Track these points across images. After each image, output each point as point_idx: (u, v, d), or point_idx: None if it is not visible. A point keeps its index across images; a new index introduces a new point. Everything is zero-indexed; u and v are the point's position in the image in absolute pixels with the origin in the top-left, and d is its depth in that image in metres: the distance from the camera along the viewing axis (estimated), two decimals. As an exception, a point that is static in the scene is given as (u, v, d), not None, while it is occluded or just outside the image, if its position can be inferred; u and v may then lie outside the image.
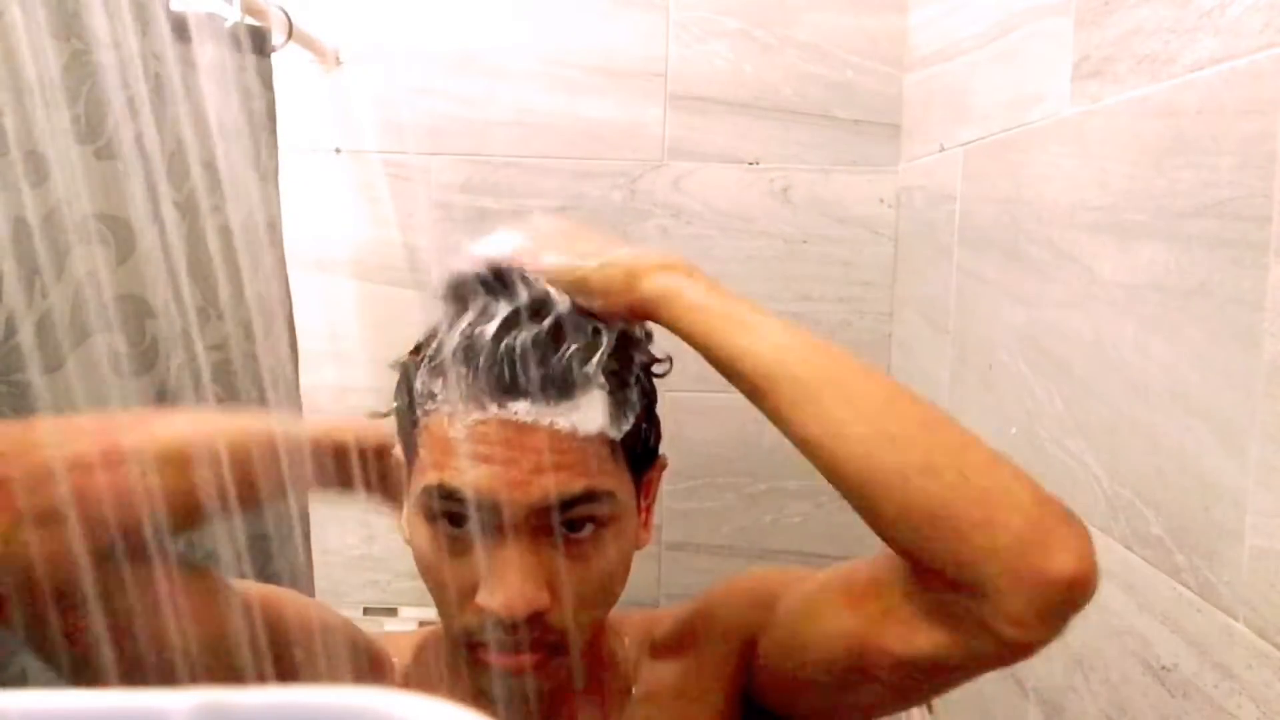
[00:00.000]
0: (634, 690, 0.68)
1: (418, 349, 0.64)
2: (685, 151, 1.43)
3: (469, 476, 0.56)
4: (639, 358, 0.63)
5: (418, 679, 0.69)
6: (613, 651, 0.69)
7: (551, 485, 0.56)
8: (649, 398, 0.64)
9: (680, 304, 0.58)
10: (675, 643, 0.69)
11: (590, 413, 0.57)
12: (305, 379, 1.20)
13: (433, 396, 0.59)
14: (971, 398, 1.10)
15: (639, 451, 0.61)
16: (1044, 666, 0.90)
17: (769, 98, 1.42)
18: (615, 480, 0.59)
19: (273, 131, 1.15)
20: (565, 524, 0.57)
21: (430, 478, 0.57)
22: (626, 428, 0.60)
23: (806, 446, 0.54)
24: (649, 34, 1.42)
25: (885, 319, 1.45)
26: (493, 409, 0.56)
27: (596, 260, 0.61)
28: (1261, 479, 0.59)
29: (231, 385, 1.03)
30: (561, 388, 0.56)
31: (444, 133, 1.43)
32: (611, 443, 0.59)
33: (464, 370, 0.57)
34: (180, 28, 0.97)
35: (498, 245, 0.63)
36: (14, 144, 0.78)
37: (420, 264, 1.45)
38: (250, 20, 1.10)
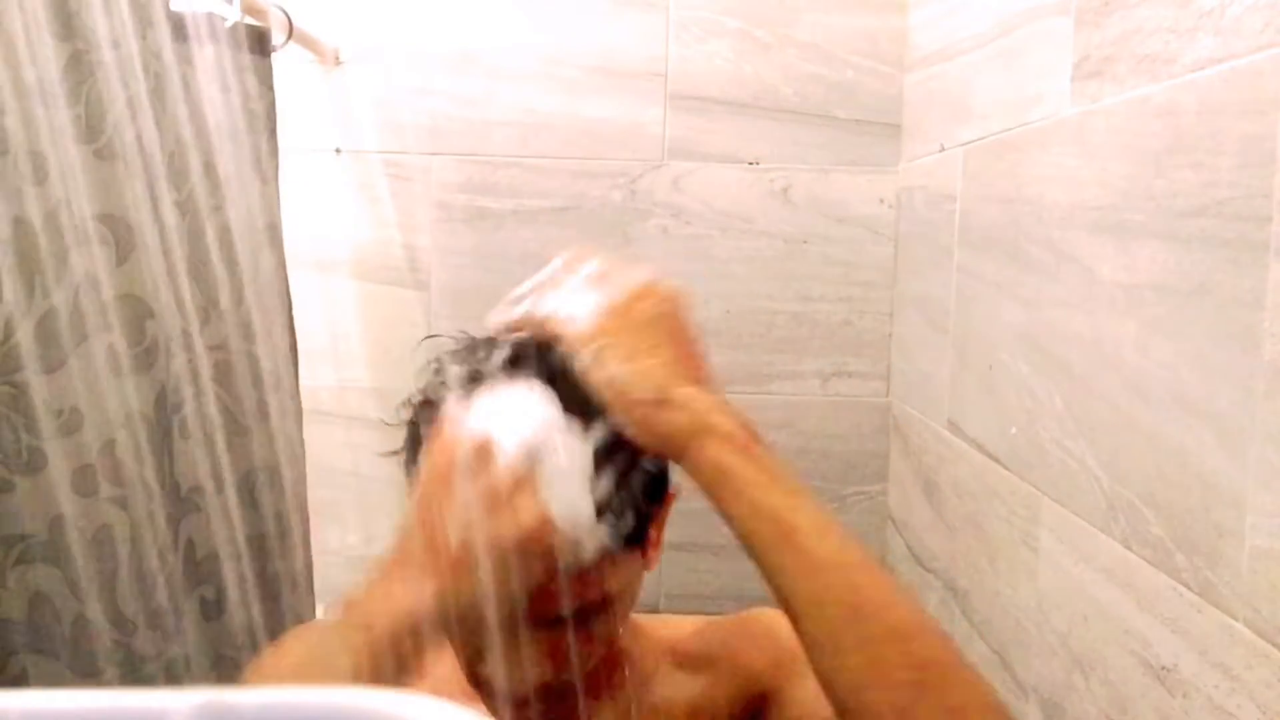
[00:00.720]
0: (650, 690, 0.68)
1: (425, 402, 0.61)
2: (685, 151, 1.43)
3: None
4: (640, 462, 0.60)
5: (426, 686, 0.69)
6: (628, 649, 0.69)
7: (557, 605, 0.55)
8: (647, 480, 0.60)
9: (729, 489, 0.53)
10: (697, 659, 0.69)
11: (591, 545, 0.54)
12: (305, 379, 1.20)
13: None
14: (971, 398, 1.11)
15: (640, 523, 0.59)
16: (1044, 666, 0.90)
17: (769, 98, 1.42)
18: (617, 570, 0.58)
19: (273, 131, 1.15)
20: (572, 616, 0.57)
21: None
22: (627, 529, 0.57)
23: (820, 674, 0.51)
24: (649, 34, 1.42)
25: (885, 319, 1.45)
26: None
27: (652, 384, 0.55)
28: (1261, 479, 0.59)
29: (231, 385, 1.03)
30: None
31: (444, 133, 1.43)
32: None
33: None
34: (180, 28, 0.97)
35: (541, 312, 0.59)
36: (14, 144, 0.78)
37: (420, 264, 1.45)
38: (250, 20, 1.10)
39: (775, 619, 0.68)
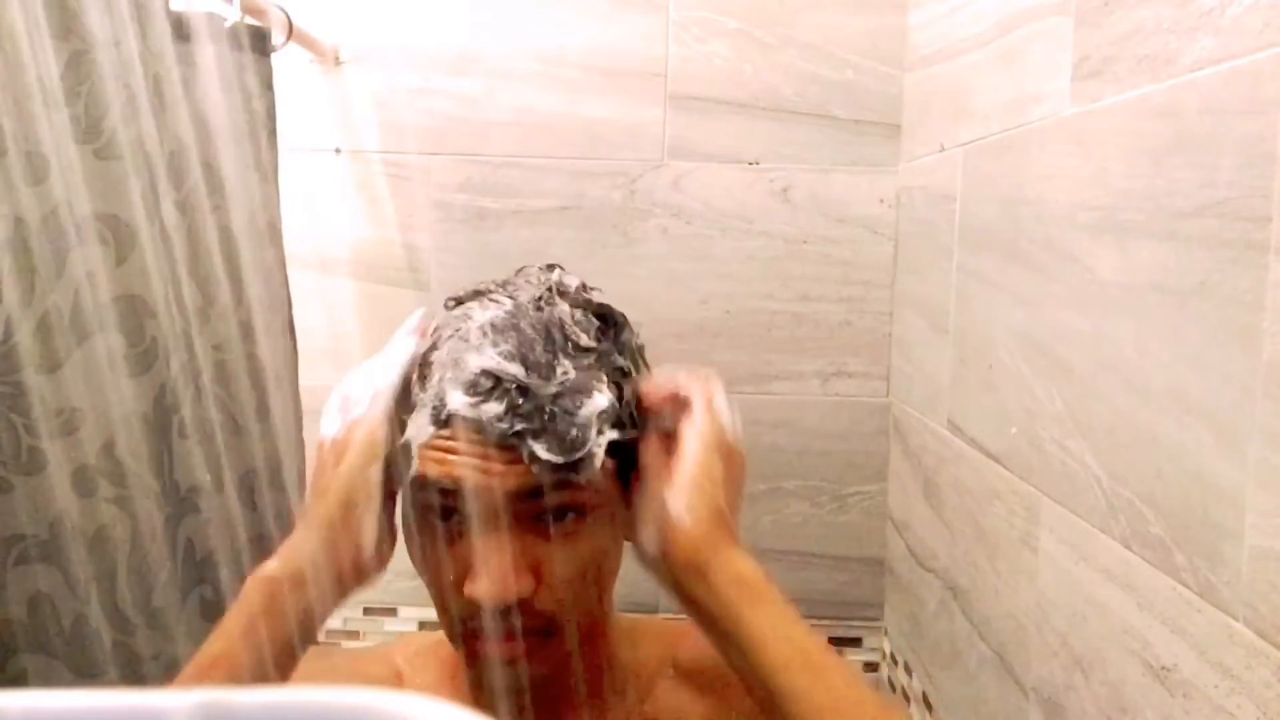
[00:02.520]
0: (647, 704, 0.67)
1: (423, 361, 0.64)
2: (685, 151, 1.43)
3: (446, 469, 0.58)
4: (633, 387, 0.64)
5: (420, 682, 0.69)
6: (621, 655, 0.69)
7: (511, 480, 0.58)
8: (638, 407, 0.64)
9: (750, 600, 0.57)
10: (705, 675, 0.69)
11: (589, 464, 0.59)
12: (305, 379, 1.20)
13: (422, 402, 0.60)
14: (971, 398, 1.11)
15: (625, 447, 0.62)
16: (1044, 666, 0.90)
17: (769, 98, 1.42)
18: (595, 488, 0.60)
19: (273, 131, 1.15)
20: (538, 515, 0.59)
21: (414, 469, 0.59)
22: (615, 437, 0.61)
23: None
24: (649, 34, 1.42)
25: (885, 319, 1.45)
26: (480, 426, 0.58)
27: (711, 531, 0.58)
28: (1261, 479, 0.59)
29: (231, 385, 1.03)
30: (569, 453, 0.58)
31: (444, 133, 1.43)
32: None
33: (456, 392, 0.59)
34: (180, 27, 0.97)
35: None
36: (14, 144, 0.78)
37: (420, 264, 1.45)
38: (250, 20, 1.10)
39: None
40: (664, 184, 1.44)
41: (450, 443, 0.58)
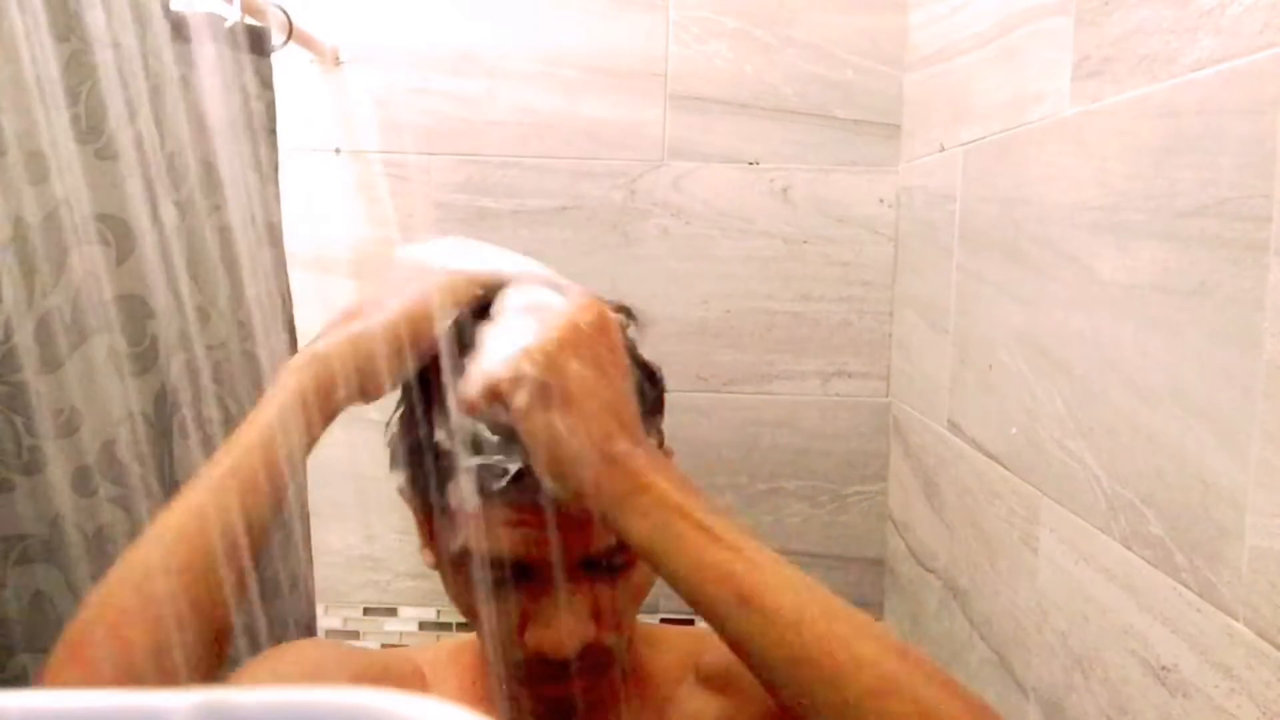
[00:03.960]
0: (670, 710, 0.67)
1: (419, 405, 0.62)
2: (685, 151, 1.43)
3: (510, 544, 0.56)
4: (650, 394, 0.63)
5: (453, 690, 0.68)
6: (645, 660, 0.69)
7: (592, 542, 0.57)
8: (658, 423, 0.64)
9: (672, 548, 0.51)
10: (724, 676, 0.68)
11: None
12: (305, 379, 1.20)
13: (455, 458, 0.57)
14: (971, 398, 1.11)
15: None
16: (1044, 666, 0.90)
17: (769, 98, 1.42)
18: None
19: (273, 131, 1.15)
20: (605, 566, 0.58)
21: (471, 545, 0.57)
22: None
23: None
24: (649, 34, 1.42)
25: (885, 319, 1.45)
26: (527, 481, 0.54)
27: (589, 441, 0.52)
28: (1261, 479, 0.59)
29: (231, 385, 1.03)
30: None
31: (444, 133, 1.43)
32: None
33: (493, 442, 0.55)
34: (180, 28, 0.97)
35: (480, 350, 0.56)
36: (14, 144, 0.78)
37: (420, 264, 1.44)
38: (250, 20, 1.10)
39: None
40: (664, 184, 1.44)
41: (508, 512, 0.55)
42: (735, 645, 0.50)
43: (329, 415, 0.58)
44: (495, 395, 0.53)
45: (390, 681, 0.67)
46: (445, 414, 0.56)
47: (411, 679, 0.68)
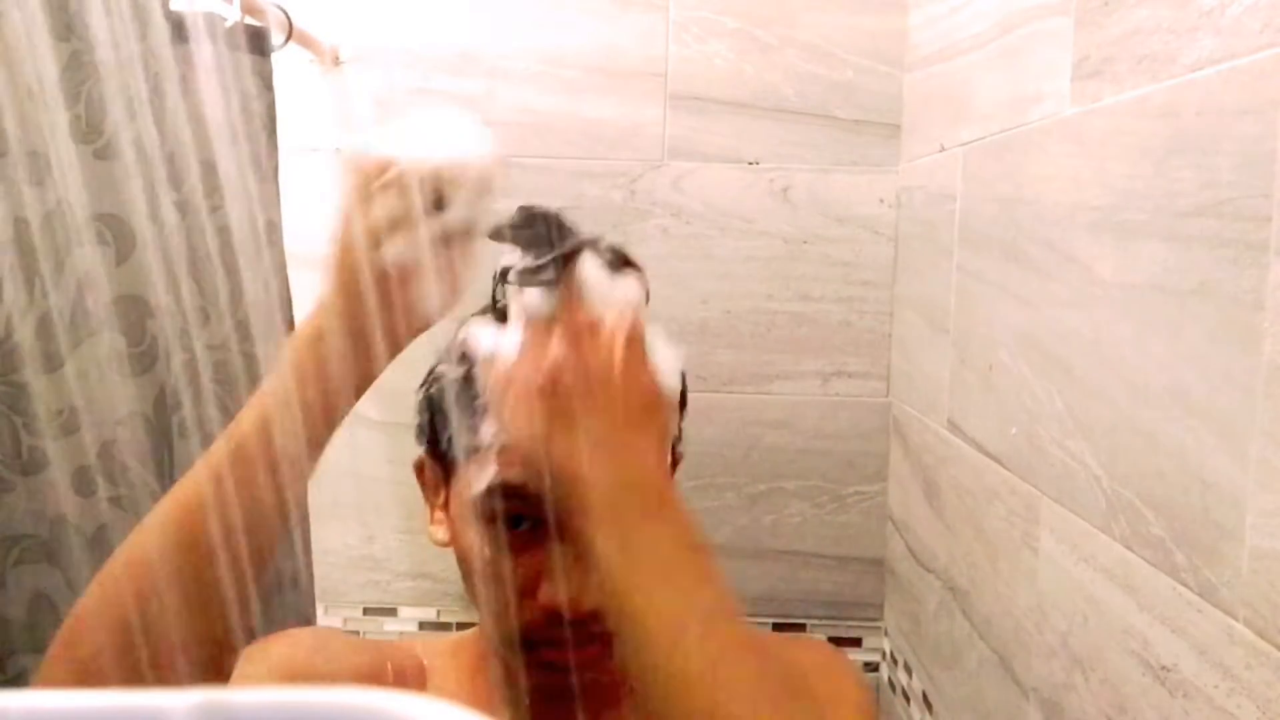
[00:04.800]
0: None
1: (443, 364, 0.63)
2: (685, 151, 1.43)
3: (501, 474, 0.57)
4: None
5: (452, 684, 0.68)
6: None
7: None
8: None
9: (596, 569, 0.50)
10: None
11: None
12: (305, 379, 1.20)
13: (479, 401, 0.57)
14: (971, 398, 1.11)
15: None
16: (1044, 666, 0.90)
17: (769, 98, 1.42)
18: None
19: (273, 131, 1.15)
20: None
21: (492, 477, 0.57)
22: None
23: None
24: (649, 34, 1.42)
25: (885, 319, 1.45)
26: None
27: (558, 469, 0.51)
28: (1261, 479, 0.59)
29: (231, 385, 1.03)
30: None
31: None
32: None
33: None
34: (180, 28, 0.97)
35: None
36: (14, 144, 0.78)
37: (420, 264, 1.44)
38: (250, 20, 1.10)
39: (821, 653, 0.67)
40: (664, 184, 1.44)
41: None
42: (629, 674, 0.50)
43: (332, 394, 0.56)
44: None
45: (390, 673, 0.67)
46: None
47: (412, 670, 0.68)
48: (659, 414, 0.57)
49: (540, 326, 0.54)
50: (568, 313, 0.54)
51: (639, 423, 0.55)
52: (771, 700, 0.47)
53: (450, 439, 0.62)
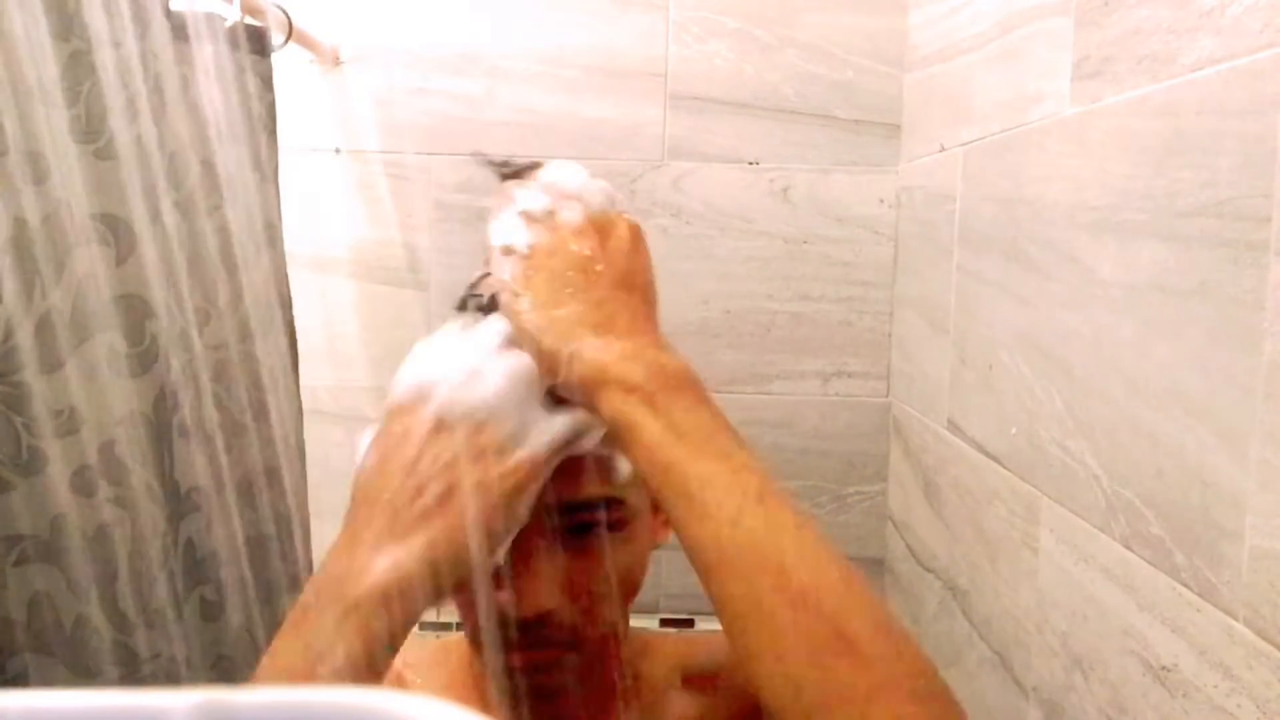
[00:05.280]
0: (659, 712, 0.67)
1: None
2: (685, 151, 1.43)
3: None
4: None
5: (425, 686, 0.68)
6: (634, 669, 0.68)
7: (581, 488, 0.56)
8: None
9: (630, 444, 0.50)
10: (708, 678, 0.68)
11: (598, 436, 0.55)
12: (305, 379, 1.20)
13: None
14: (971, 398, 1.11)
15: None
16: (1044, 666, 0.90)
17: (769, 98, 1.42)
18: (626, 487, 0.59)
19: (273, 131, 1.15)
20: (575, 527, 0.57)
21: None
22: None
23: (733, 640, 0.47)
24: (649, 34, 1.42)
25: (885, 319, 1.45)
26: None
27: (556, 335, 0.52)
28: (1261, 479, 0.59)
29: (231, 385, 1.03)
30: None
31: (444, 133, 1.43)
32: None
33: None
34: (180, 28, 0.97)
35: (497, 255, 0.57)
36: (14, 144, 0.78)
37: (420, 264, 1.45)
38: (250, 20, 1.10)
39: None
40: (664, 184, 1.44)
41: None
42: (681, 541, 0.49)
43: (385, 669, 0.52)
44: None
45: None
46: None
47: (392, 682, 0.68)
48: (657, 298, 0.59)
49: (545, 226, 0.56)
50: (563, 211, 0.56)
51: (652, 306, 0.57)
52: (836, 562, 0.47)
53: None
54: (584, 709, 0.63)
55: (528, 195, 0.58)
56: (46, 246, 0.80)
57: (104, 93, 0.85)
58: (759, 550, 0.46)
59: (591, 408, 0.52)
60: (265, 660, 0.52)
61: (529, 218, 0.57)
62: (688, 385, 0.52)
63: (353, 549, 0.52)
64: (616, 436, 0.51)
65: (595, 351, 0.51)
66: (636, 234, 0.58)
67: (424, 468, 0.52)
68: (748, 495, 0.48)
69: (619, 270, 0.56)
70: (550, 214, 0.57)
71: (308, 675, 0.49)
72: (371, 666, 0.49)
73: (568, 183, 0.58)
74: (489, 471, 0.51)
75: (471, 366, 0.53)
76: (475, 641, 0.62)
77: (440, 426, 0.52)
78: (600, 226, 0.57)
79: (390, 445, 0.54)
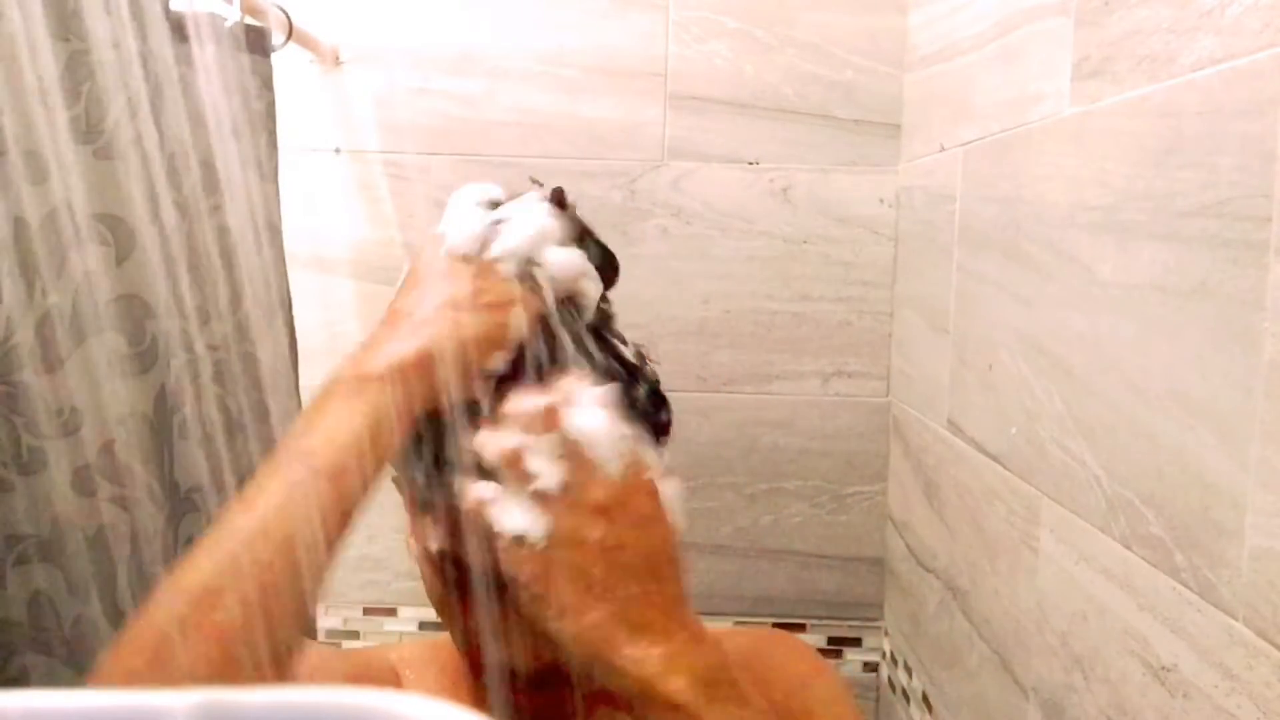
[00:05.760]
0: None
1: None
2: (685, 151, 1.43)
3: (481, 557, 0.54)
4: (643, 391, 0.63)
5: (419, 687, 0.68)
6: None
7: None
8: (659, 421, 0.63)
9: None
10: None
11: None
12: (305, 379, 1.20)
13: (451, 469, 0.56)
14: (971, 398, 1.11)
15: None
16: (1044, 666, 0.90)
17: (769, 98, 1.42)
18: None
19: (273, 131, 1.15)
20: None
21: (445, 544, 0.56)
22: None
23: None
24: (649, 34, 1.42)
25: (885, 319, 1.45)
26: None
27: (592, 649, 0.49)
28: (1261, 479, 0.59)
29: (231, 385, 1.03)
30: None
31: (444, 133, 1.43)
32: None
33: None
34: (180, 28, 0.97)
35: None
36: (14, 144, 0.78)
37: (420, 264, 1.44)
38: (250, 20, 1.10)
39: (791, 642, 0.67)
40: (664, 184, 1.44)
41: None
42: None
43: (390, 447, 0.54)
44: (510, 463, 0.52)
45: (369, 682, 0.66)
46: (457, 433, 0.54)
47: (387, 678, 0.68)
48: (682, 570, 0.55)
49: (561, 506, 0.51)
50: (580, 486, 0.52)
51: (679, 585, 0.53)
52: None
53: (420, 472, 0.59)
54: (574, 705, 0.63)
55: (542, 443, 0.53)
56: (46, 246, 0.80)
57: (104, 93, 0.85)
58: None
59: (629, 712, 0.51)
60: (282, 442, 0.55)
61: (541, 499, 0.52)
62: (726, 686, 0.50)
63: (366, 345, 0.56)
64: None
65: (636, 667, 0.49)
66: (655, 497, 0.54)
67: (430, 287, 0.58)
68: None
69: (643, 553, 0.52)
70: (566, 489, 0.52)
71: (325, 447, 0.52)
72: (377, 442, 0.52)
73: (588, 430, 0.53)
74: (479, 300, 0.57)
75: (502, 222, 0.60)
76: (462, 647, 0.62)
77: (461, 260, 0.59)
78: (618, 497, 0.52)
79: (416, 268, 0.60)
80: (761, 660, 0.68)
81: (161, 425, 0.92)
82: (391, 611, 1.48)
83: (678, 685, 0.48)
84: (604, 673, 0.50)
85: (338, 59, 1.42)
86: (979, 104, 1.10)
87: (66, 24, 0.82)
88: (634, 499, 0.53)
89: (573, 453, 0.52)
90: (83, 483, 0.84)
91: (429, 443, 0.58)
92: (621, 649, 0.49)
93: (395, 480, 0.63)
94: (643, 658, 0.49)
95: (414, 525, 0.63)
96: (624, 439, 0.54)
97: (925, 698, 1.27)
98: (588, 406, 0.53)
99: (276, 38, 1.15)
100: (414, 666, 0.70)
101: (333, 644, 1.45)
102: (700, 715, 0.48)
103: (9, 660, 0.81)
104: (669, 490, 0.55)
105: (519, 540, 0.51)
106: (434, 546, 0.57)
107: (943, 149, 1.23)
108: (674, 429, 0.67)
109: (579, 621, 0.49)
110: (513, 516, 0.51)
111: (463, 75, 1.42)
